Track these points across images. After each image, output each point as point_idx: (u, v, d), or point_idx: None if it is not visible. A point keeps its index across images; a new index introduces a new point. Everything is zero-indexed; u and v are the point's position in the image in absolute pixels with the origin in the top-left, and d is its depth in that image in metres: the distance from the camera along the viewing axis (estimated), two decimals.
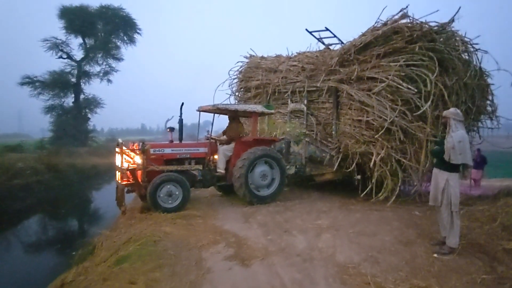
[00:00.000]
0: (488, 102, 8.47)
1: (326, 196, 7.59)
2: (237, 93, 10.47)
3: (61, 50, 25.15)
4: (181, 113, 6.75)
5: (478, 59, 7.40)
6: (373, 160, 6.62)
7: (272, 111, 7.68)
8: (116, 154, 6.23)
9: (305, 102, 8.02)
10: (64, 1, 26.08)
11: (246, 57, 10.40)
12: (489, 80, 8.11)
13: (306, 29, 9.18)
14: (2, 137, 44.08)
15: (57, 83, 24.40)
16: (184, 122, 6.97)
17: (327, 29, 8.96)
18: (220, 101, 9.40)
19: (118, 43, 27.24)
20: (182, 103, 6.76)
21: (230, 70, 10.39)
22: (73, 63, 25.64)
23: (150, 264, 3.67)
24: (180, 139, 6.89)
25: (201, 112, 7.21)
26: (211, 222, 5.40)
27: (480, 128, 8.62)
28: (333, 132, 7.49)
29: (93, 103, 26.64)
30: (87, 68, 26.22)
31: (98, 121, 44.67)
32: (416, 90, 6.23)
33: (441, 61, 6.45)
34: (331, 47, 8.90)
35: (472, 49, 7.31)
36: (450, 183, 4.01)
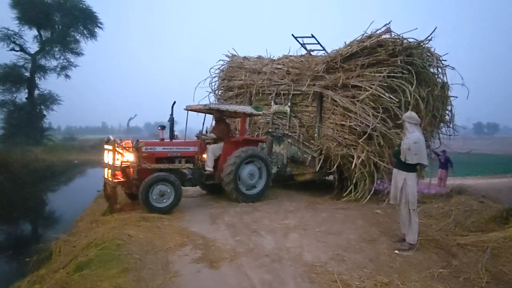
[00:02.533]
0: (447, 111, 9.22)
1: (293, 196, 7.69)
2: (217, 92, 10.40)
3: (14, 42, 23.51)
4: (172, 112, 6.69)
5: (445, 74, 8.04)
6: (354, 163, 6.89)
7: (261, 112, 7.76)
8: (106, 151, 6.12)
9: (289, 104, 8.13)
10: None
11: (228, 56, 10.33)
12: (449, 93, 8.83)
13: (292, 35, 9.39)
14: None
15: (9, 77, 22.81)
16: (161, 120, 6.88)
17: (312, 36, 9.21)
18: (198, 99, 9.27)
19: (78, 37, 25.92)
20: (174, 102, 6.72)
21: (211, 68, 10.33)
22: (27, 56, 24.04)
23: (113, 270, 3.50)
24: (171, 137, 6.83)
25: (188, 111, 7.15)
26: (177, 224, 5.26)
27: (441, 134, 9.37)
28: (316, 135, 7.70)
29: (49, 100, 25.15)
30: (42, 62, 24.75)
31: (56, 118, 42.20)
32: (397, 100, 6.60)
33: (417, 74, 6.89)
34: (313, 53, 9.14)
35: (441, 65, 7.90)
36: (408, 183, 4.22)
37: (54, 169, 16.61)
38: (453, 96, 8.95)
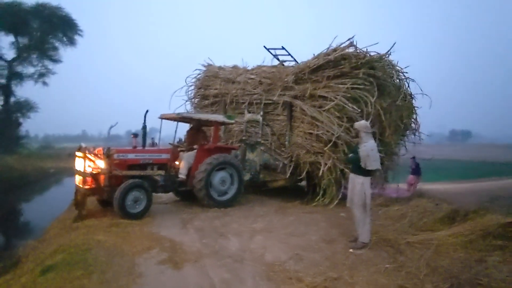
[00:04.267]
0: (413, 120, 9.82)
1: (265, 201, 7.93)
2: (193, 100, 10.58)
3: None
4: (145, 120, 6.80)
5: (407, 85, 8.56)
6: (321, 170, 7.20)
7: (233, 121, 8.00)
8: (77, 158, 6.23)
9: (261, 113, 8.42)
10: None
11: (204, 65, 10.55)
12: (414, 102, 9.41)
13: (264, 46, 9.74)
14: None
15: None
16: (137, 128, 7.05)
17: (283, 48, 9.60)
18: (175, 107, 9.48)
19: (56, 44, 25.63)
20: (147, 111, 6.86)
21: (187, 77, 10.52)
22: (2, 62, 23.55)
23: (78, 272, 3.63)
24: (143, 145, 6.97)
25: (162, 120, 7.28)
26: (147, 229, 5.40)
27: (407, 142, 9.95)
28: (286, 143, 8.00)
29: (25, 107, 24.64)
30: (19, 69, 24.25)
31: (34, 126, 41.24)
32: (359, 110, 6.99)
33: (379, 86, 7.34)
34: (285, 64, 9.50)
35: (403, 77, 8.43)
36: (365, 186, 4.55)
37: (28, 178, 16.26)
38: (416, 107, 9.60)
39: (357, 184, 4.61)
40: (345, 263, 4.01)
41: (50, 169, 21.58)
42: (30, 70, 24.78)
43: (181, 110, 10.48)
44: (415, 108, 9.72)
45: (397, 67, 8.07)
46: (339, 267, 3.88)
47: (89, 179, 6.00)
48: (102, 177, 6.00)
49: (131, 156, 6.43)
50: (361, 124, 4.74)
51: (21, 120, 24.58)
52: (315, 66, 7.48)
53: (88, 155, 6.02)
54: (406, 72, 8.20)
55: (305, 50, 9.72)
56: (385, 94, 7.66)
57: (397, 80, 8.11)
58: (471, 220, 4.79)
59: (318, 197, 7.45)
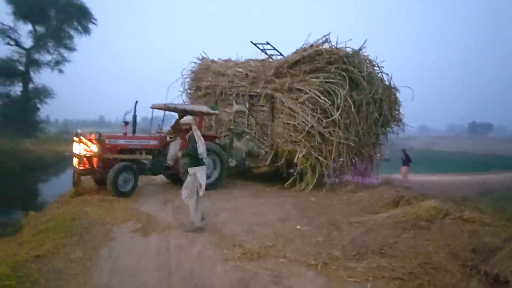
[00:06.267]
0: (396, 112, 10.29)
1: (247, 186, 8.62)
2: (189, 91, 11.30)
3: (8, 36, 24.21)
4: (135, 110, 7.70)
5: (386, 79, 9.06)
6: (297, 156, 7.84)
7: (217, 111, 8.68)
8: (74, 142, 6.99)
9: (247, 105, 9.06)
10: None
11: (198, 59, 11.20)
12: (398, 95, 9.87)
13: (251, 41, 10.29)
14: None
15: (3, 71, 23.54)
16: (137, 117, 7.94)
17: (268, 43, 10.13)
18: (172, 97, 10.22)
19: (71, 33, 26.63)
20: (136, 101, 7.69)
21: (183, 69, 11.22)
22: (21, 50, 24.75)
23: (62, 234, 4.46)
24: (133, 132, 7.79)
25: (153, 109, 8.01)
26: (131, 205, 6.21)
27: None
28: (268, 132, 8.63)
29: (43, 93, 25.90)
30: (36, 56, 25.43)
31: (53, 112, 43.09)
32: (330, 102, 7.55)
33: (352, 80, 7.80)
34: (273, 57, 10.04)
35: (378, 71, 8.87)
36: (203, 176, 5.12)
37: (43, 160, 17.52)
38: (400, 100, 10.07)
39: (194, 176, 5.10)
40: (288, 237, 4.68)
41: (65, 153, 22.91)
42: (47, 57, 25.95)
43: (178, 100, 11.25)
44: (398, 100, 10.21)
45: (374, 62, 8.48)
46: (279, 239, 4.56)
47: (84, 161, 6.83)
48: (95, 159, 6.83)
49: (121, 141, 7.21)
50: (189, 118, 5.31)
51: (38, 105, 25.89)
52: (293, 61, 8.02)
53: (83, 140, 6.83)
54: (382, 66, 8.61)
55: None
56: (360, 87, 8.12)
57: (372, 74, 8.50)
58: (410, 205, 5.35)
59: (290, 182, 8.06)
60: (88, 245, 4.21)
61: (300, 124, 7.82)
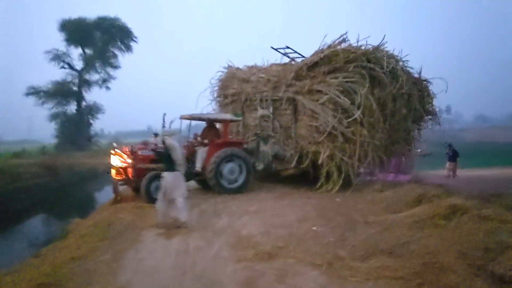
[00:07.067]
0: (429, 105, 9.94)
1: (274, 188, 8.81)
2: (218, 99, 11.80)
3: (63, 61, 26.88)
4: (164, 121, 8.18)
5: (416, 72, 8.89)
6: (321, 158, 7.90)
7: (240, 118, 9.02)
8: (111, 155, 7.77)
9: (271, 109, 9.31)
10: (64, 14, 27.59)
11: (224, 68, 11.67)
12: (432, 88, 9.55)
13: (272, 47, 10.48)
14: (11, 143, 46.23)
15: (60, 92, 26.14)
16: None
17: (288, 47, 10.24)
18: (203, 106, 10.84)
19: (116, 52, 28.82)
20: (164, 114, 8.20)
21: (211, 79, 11.74)
22: (74, 72, 27.32)
23: (97, 238, 5.01)
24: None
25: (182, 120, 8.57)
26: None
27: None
28: (292, 135, 8.79)
29: (94, 110, 28.29)
30: (87, 76, 27.86)
31: (106, 125, 46.61)
32: (349, 102, 7.52)
33: (373, 77, 7.71)
34: (295, 60, 10.16)
35: (403, 65, 8.64)
36: (171, 179, 5.58)
37: (95, 171, 19.14)
38: (434, 93, 9.68)
39: (169, 179, 5.62)
40: (302, 238, 4.79)
41: (101, 167, 24.83)
42: (96, 77, 28.37)
43: (208, 108, 11.75)
44: (431, 93, 9.81)
45: (397, 56, 8.24)
46: (292, 240, 4.68)
47: (120, 171, 7.49)
48: (129, 170, 7.46)
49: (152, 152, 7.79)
50: (163, 132, 6.01)
51: (91, 121, 28.32)
52: (311, 63, 8.07)
53: (119, 152, 7.50)
54: (407, 60, 8.34)
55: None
56: (382, 84, 7.93)
57: (396, 69, 8.23)
58: (432, 203, 5.17)
59: (319, 184, 8.10)
60: (117, 247, 4.69)
61: (322, 125, 7.84)
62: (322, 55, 7.78)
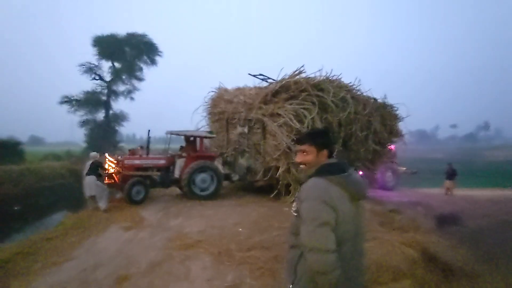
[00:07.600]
0: (394, 128, 10.99)
1: (243, 196, 10.10)
2: (208, 116, 13.40)
3: (95, 73, 29.86)
4: (149, 137, 9.97)
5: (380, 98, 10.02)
6: (278, 172, 9.15)
7: (214, 135, 10.49)
8: (106, 163, 9.42)
9: (246, 127, 10.70)
10: (97, 30, 30.75)
11: (216, 88, 13.27)
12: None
13: (249, 73, 11.90)
14: (54, 145, 50.83)
15: (90, 101, 29.07)
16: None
17: (261, 74, 11.60)
18: (196, 122, 12.39)
19: (142, 65, 31.52)
20: (149, 130, 9.97)
21: (204, 97, 13.37)
22: (103, 83, 30.23)
23: (80, 230, 6.61)
24: (147, 153, 10.07)
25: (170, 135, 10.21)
26: (134, 210, 8.17)
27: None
28: (261, 151, 10.10)
29: (120, 117, 31.05)
30: (114, 87, 30.68)
31: (130, 131, 49.88)
32: (298, 126, 8.74)
33: (322, 104, 8.90)
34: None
35: (360, 93, 9.78)
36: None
37: None
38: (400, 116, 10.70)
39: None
40: (223, 235, 6.06)
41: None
42: (122, 88, 31.18)
43: (203, 123, 13.33)
44: (398, 116, 10.85)
45: (351, 85, 9.37)
46: (214, 236, 5.98)
47: (110, 176, 9.14)
48: (116, 176, 9.09)
49: (136, 161, 9.40)
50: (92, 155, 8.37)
51: (117, 128, 31.09)
52: (274, 91, 9.37)
53: (110, 160, 9.15)
54: (359, 90, 9.46)
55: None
56: (335, 109, 9.04)
57: (346, 97, 9.30)
58: None
59: (275, 193, 9.29)
60: (85, 234, 6.25)
61: (280, 143, 9.07)
62: (281, 84, 9.05)
